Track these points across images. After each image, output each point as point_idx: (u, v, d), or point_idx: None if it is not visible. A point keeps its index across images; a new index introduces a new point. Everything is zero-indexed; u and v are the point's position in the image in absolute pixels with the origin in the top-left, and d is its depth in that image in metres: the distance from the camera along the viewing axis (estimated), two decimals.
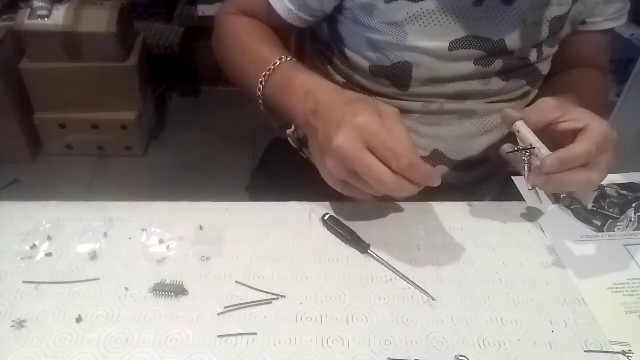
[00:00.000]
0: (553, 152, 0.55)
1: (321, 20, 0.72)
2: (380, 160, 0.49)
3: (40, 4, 1.76)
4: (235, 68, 0.70)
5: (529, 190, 0.56)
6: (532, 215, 0.62)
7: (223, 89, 2.34)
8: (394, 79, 0.68)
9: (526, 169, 0.55)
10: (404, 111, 0.70)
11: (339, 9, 0.68)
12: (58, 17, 1.78)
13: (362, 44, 0.68)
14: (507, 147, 0.57)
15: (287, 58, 0.63)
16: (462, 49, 0.65)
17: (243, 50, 0.69)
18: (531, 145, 0.54)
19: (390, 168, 0.49)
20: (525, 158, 0.55)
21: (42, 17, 1.77)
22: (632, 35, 1.63)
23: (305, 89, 0.58)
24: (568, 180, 0.53)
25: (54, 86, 1.88)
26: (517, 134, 0.56)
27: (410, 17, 0.63)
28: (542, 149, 0.54)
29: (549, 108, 0.57)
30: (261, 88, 0.64)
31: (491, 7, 0.63)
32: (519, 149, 0.55)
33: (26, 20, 1.78)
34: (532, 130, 0.55)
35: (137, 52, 1.94)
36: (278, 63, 0.62)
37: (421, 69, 0.67)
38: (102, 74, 1.88)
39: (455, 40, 0.64)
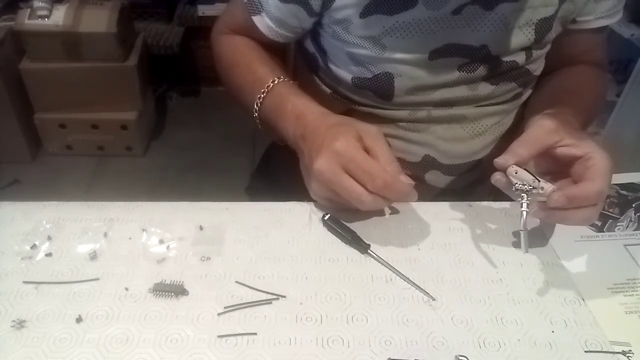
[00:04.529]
0: (549, 178, 0.55)
1: (304, 34, 0.73)
2: (357, 181, 0.54)
3: (40, 4, 1.76)
4: (234, 88, 0.73)
5: (520, 231, 0.53)
6: None
7: (223, 89, 2.33)
8: (376, 90, 0.68)
9: (524, 206, 0.53)
10: (390, 120, 0.71)
11: (319, 23, 0.68)
12: (58, 17, 1.78)
13: (343, 57, 0.68)
14: (497, 176, 0.55)
15: (280, 79, 0.66)
16: (443, 57, 0.64)
17: (240, 70, 0.71)
18: (533, 180, 0.52)
19: (366, 188, 0.53)
20: (525, 194, 0.53)
21: (42, 17, 1.77)
22: (632, 35, 1.62)
23: (296, 113, 0.62)
24: (570, 216, 0.52)
25: (54, 86, 1.88)
26: (515, 174, 0.53)
27: (386, 30, 0.62)
28: (544, 185, 0.52)
29: (547, 132, 0.56)
30: (257, 109, 0.67)
31: (471, 14, 0.61)
32: (521, 190, 0.53)
33: (26, 20, 1.78)
34: (528, 158, 0.54)
35: (137, 52, 1.94)
36: (271, 85, 0.66)
37: (403, 79, 0.66)
38: (102, 74, 1.88)
39: (436, 49, 0.63)
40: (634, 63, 1.60)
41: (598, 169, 0.52)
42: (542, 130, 0.56)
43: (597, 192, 0.51)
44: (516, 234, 0.59)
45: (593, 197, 0.51)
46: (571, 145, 0.55)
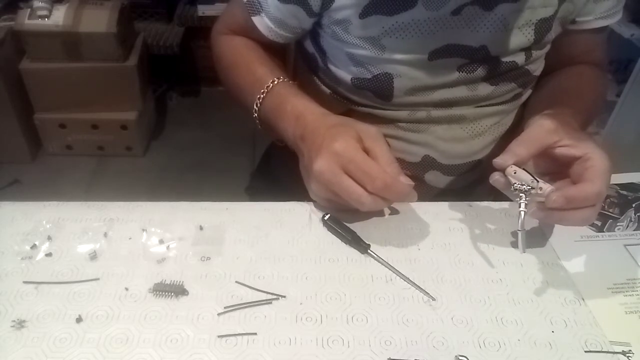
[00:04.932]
0: (548, 178, 0.55)
1: (303, 35, 0.73)
2: (357, 182, 0.54)
3: (40, 4, 1.76)
4: (234, 88, 0.73)
5: (518, 230, 0.53)
6: None
7: (223, 89, 2.33)
8: (376, 91, 0.68)
9: (522, 206, 0.53)
10: (390, 121, 0.71)
11: (318, 24, 0.68)
12: (58, 17, 1.78)
13: (342, 58, 0.68)
14: (496, 176, 0.55)
15: (280, 79, 0.66)
16: (442, 58, 0.64)
17: (239, 71, 0.71)
18: (532, 181, 0.52)
19: (365, 189, 0.54)
20: (523, 194, 0.53)
21: (42, 17, 1.77)
22: (632, 35, 1.62)
23: (296, 114, 0.62)
24: (568, 217, 0.52)
25: (54, 86, 1.88)
26: (514, 174, 0.53)
27: (386, 31, 0.62)
28: (543, 185, 0.52)
29: (546, 132, 0.55)
30: (257, 109, 0.67)
31: (470, 14, 0.61)
32: (519, 190, 0.53)
33: (26, 20, 1.78)
34: (527, 157, 0.54)
35: (137, 52, 1.94)
36: (271, 86, 0.66)
37: (402, 80, 0.66)
38: (102, 74, 1.88)
39: (435, 50, 0.63)
40: (634, 63, 1.60)
41: (597, 170, 0.52)
42: (542, 129, 0.56)
43: (596, 193, 0.51)
44: (515, 234, 0.59)
45: (592, 198, 0.51)
46: (570, 146, 0.55)
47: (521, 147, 0.55)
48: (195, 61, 2.34)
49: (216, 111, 2.26)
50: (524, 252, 0.54)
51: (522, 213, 0.53)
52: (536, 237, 0.59)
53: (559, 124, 0.56)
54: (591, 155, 0.53)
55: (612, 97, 1.70)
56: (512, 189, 0.53)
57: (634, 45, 1.63)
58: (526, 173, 0.53)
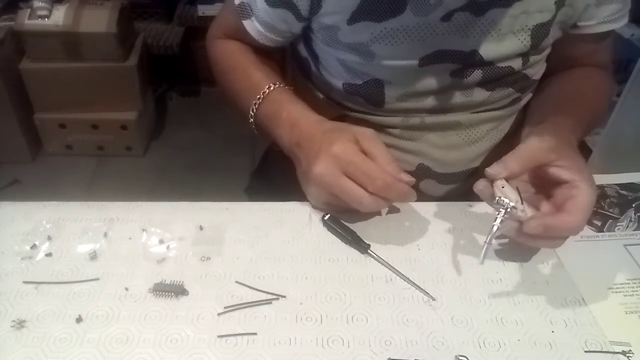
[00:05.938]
0: (532, 193, 0.55)
1: (294, 39, 0.72)
2: (357, 184, 0.54)
3: (40, 4, 1.76)
4: (230, 92, 0.72)
5: (485, 243, 0.52)
6: None
7: None
8: (367, 97, 0.68)
9: (498, 221, 0.51)
10: (383, 127, 0.70)
11: (309, 28, 0.68)
12: (58, 17, 1.78)
13: (333, 63, 0.68)
14: (480, 186, 0.54)
15: (276, 85, 0.66)
16: (433, 64, 0.63)
17: (235, 75, 0.71)
18: (517, 201, 0.51)
19: (366, 190, 0.54)
20: (503, 210, 0.51)
21: (42, 17, 1.77)
22: (632, 35, 1.63)
23: (291, 121, 0.62)
24: (540, 243, 0.53)
25: (54, 86, 1.88)
26: (501, 188, 0.52)
27: (375, 37, 0.62)
28: (527, 209, 0.51)
29: (545, 151, 0.53)
30: (252, 115, 0.67)
31: (461, 20, 0.60)
32: (502, 204, 0.51)
33: (26, 20, 1.78)
34: (519, 173, 0.53)
35: (137, 52, 1.94)
36: (267, 92, 0.66)
37: (393, 86, 0.66)
38: (102, 74, 1.88)
39: (425, 56, 0.62)
40: (634, 63, 1.59)
41: (579, 203, 0.51)
42: (541, 147, 0.54)
43: (574, 227, 0.51)
44: (510, 236, 0.59)
45: (569, 231, 0.51)
46: (562, 167, 0.53)
47: (516, 163, 0.53)
48: (195, 61, 2.34)
49: (216, 111, 2.26)
50: (482, 264, 0.53)
51: (495, 227, 0.52)
52: None
53: (558, 142, 0.54)
54: (578, 184, 0.51)
55: (612, 97, 1.70)
56: (495, 201, 0.52)
57: (634, 45, 1.63)
58: (514, 192, 0.52)
